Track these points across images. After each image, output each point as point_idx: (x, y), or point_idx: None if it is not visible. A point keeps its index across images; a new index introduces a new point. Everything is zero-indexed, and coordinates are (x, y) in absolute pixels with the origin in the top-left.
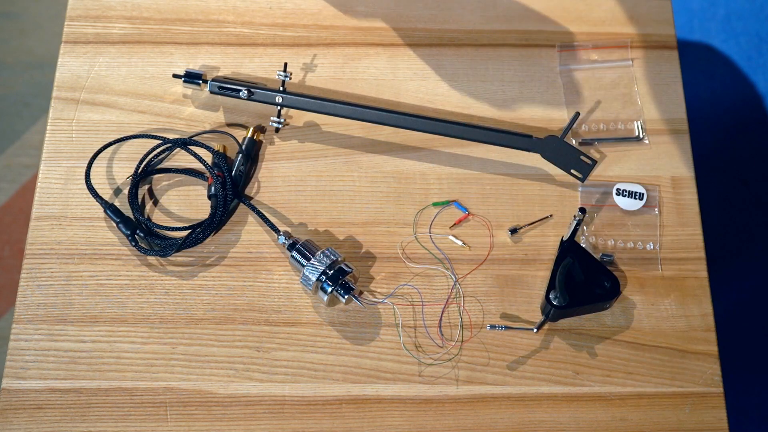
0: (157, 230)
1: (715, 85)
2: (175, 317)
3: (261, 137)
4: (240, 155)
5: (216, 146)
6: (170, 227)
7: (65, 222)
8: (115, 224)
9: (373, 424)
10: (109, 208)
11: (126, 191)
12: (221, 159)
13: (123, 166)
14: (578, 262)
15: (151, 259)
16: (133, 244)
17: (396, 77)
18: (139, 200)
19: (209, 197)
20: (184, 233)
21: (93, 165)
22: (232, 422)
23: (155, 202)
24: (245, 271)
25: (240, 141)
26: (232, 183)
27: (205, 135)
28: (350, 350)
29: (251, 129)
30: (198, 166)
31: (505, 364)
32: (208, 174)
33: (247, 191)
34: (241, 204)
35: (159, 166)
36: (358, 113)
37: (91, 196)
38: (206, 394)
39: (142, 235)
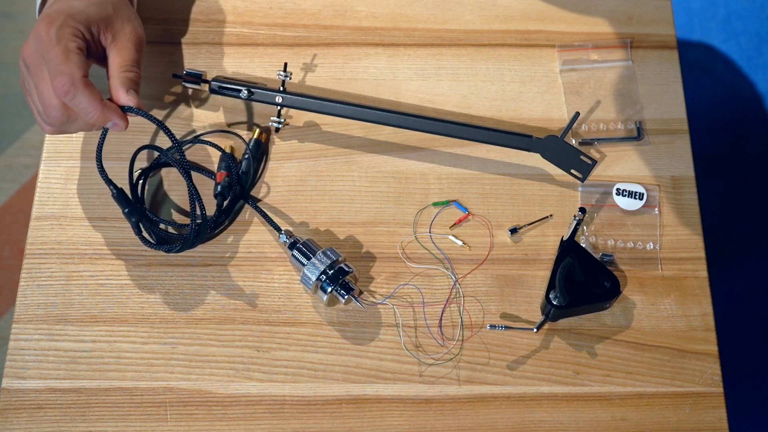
0: (163, 226)
1: (715, 85)
2: (175, 317)
3: (267, 138)
4: (246, 156)
5: (224, 146)
6: (177, 223)
7: (65, 222)
8: (121, 211)
9: (373, 424)
10: (119, 193)
11: (128, 190)
12: (229, 159)
13: (124, 165)
14: (578, 262)
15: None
16: (137, 232)
17: (396, 77)
18: (144, 199)
19: (215, 196)
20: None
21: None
22: (232, 422)
23: (157, 202)
24: (245, 271)
25: (247, 142)
26: (239, 184)
27: (209, 135)
28: (350, 350)
29: (257, 130)
30: (203, 165)
31: (505, 364)
32: (215, 172)
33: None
34: (241, 204)
35: (162, 165)
36: (358, 113)
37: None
38: (206, 394)
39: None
